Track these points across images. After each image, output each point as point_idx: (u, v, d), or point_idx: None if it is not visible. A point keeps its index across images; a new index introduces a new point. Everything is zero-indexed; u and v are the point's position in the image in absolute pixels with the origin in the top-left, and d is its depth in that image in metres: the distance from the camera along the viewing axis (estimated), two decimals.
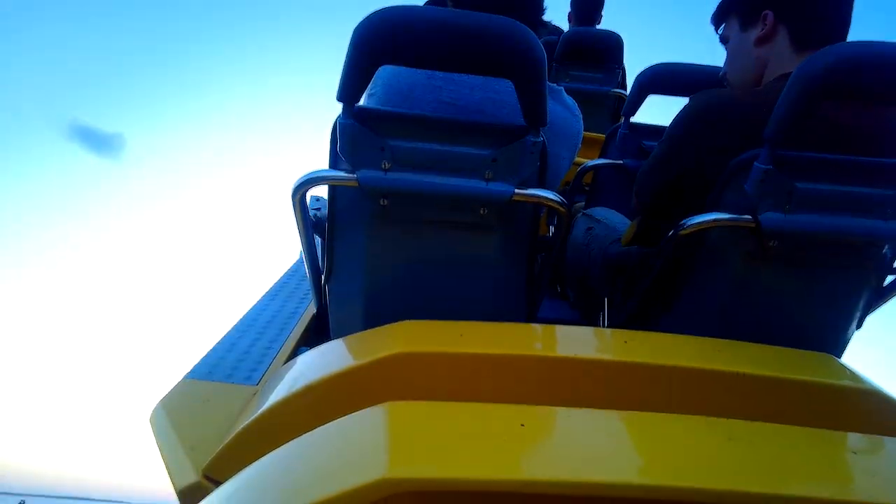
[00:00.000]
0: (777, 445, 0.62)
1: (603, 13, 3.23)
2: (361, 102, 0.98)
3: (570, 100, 1.17)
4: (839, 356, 1.03)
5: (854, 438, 0.68)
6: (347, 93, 0.90)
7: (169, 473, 0.86)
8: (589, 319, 1.50)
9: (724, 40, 1.23)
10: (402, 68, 1.04)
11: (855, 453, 0.65)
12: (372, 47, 0.89)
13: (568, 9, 3.31)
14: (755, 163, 0.92)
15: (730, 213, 0.95)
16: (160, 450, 0.89)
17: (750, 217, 0.93)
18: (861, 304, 1.03)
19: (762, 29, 1.10)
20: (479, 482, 0.53)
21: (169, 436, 0.90)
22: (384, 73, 1.05)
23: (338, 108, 0.93)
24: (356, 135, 0.91)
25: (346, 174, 0.93)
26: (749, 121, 0.97)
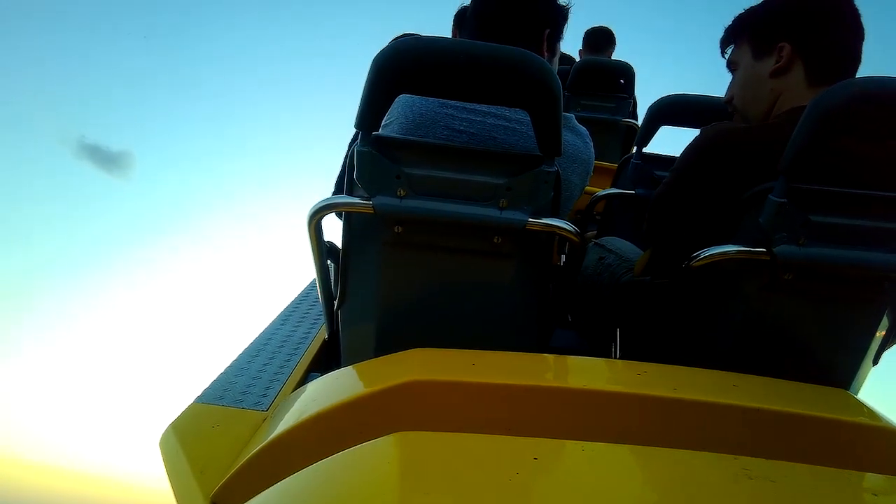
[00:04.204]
0: (794, 485, 0.61)
1: (615, 47, 3.27)
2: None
3: (580, 127, 1.18)
4: (856, 392, 1.01)
5: (872, 479, 0.67)
6: (365, 121, 0.92)
7: (176, 498, 0.85)
8: (600, 349, 1.49)
9: (731, 66, 1.21)
10: (417, 97, 1.06)
11: (875, 495, 0.63)
12: (391, 77, 0.90)
13: (580, 45, 3.36)
14: (770, 196, 0.92)
15: (743, 245, 0.95)
16: (168, 474, 0.89)
17: (764, 250, 0.92)
18: (877, 340, 1.01)
19: (777, 61, 1.09)
20: None
21: (178, 460, 0.89)
22: (399, 101, 1.07)
23: (350, 130, 0.94)
24: (373, 162, 0.92)
25: (361, 200, 0.94)
26: (761, 154, 0.97)
